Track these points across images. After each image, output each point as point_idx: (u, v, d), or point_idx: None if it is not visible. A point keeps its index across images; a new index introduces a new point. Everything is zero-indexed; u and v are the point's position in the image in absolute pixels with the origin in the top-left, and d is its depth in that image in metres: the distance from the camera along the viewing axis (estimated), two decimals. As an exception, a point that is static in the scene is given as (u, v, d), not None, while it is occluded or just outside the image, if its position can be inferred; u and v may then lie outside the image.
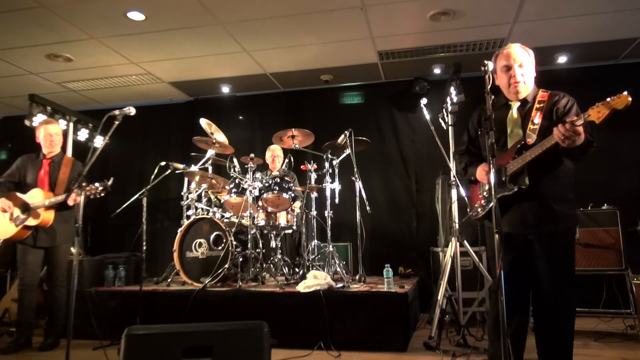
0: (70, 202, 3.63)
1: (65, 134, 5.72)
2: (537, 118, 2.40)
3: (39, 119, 5.19)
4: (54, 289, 3.86)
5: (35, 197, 3.76)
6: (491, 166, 2.15)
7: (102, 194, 3.23)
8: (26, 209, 3.74)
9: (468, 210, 2.72)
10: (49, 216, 3.74)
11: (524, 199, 2.38)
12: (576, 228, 2.53)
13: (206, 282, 4.09)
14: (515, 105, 2.52)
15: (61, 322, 3.90)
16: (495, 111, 2.47)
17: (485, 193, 2.53)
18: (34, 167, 3.92)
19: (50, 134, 3.95)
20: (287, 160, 5.21)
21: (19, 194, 3.84)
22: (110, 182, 3.24)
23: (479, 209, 2.57)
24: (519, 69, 2.45)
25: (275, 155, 5.30)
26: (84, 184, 2.85)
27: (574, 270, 2.46)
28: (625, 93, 1.99)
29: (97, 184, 3.27)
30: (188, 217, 4.85)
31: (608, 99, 2.05)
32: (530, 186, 2.35)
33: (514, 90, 2.48)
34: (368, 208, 4.27)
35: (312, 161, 4.82)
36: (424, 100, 4.47)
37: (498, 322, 2.17)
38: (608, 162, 5.11)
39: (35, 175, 3.89)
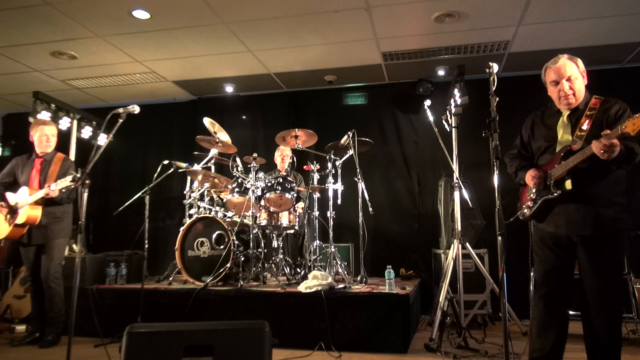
0: (52, 194, 3.69)
1: (69, 131, 5.75)
2: (585, 125, 2.45)
3: (43, 116, 5.21)
4: (49, 285, 3.87)
5: (23, 195, 3.84)
6: (495, 168, 2.16)
7: (80, 186, 3.14)
8: (14, 208, 3.84)
9: (518, 210, 2.77)
10: (35, 213, 3.80)
11: (569, 201, 2.47)
12: (625, 232, 2.54)
13: (207, 281, 4.10)
14: (567, 113, 2.59)
15: (60, 318, 3.92)
16: (548, 118, 2.67)
17: (532, 195, 2.62)
18: (27, 167, 4.01)
19: (47, 135, 4.03)
20: (289, 161, 5.22)
21: (7, 194, 3.93)
22: (79, 175, 3.20)
23: (526, 210, 2.67)
24: (567, 82, 2.52)
25: (284, 155, 5.32)
26: (87, 181, 2.85)
27: (621, 273, 2.52)
28: None
29: (67, 178, 3.46)
30: (190, 215, 4.85)
31: None
32: (575, 190, 2.43)
33: (564, 103, 2.56)
34: (370, 209, 4.26)
35: (314, 161, 4.82)
36: (427, 102, 4.47)
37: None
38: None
39: (27, 174, 3.97)
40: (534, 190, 2.60)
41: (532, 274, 2.15)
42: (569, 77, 2.51)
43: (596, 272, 2.43)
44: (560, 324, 2.55)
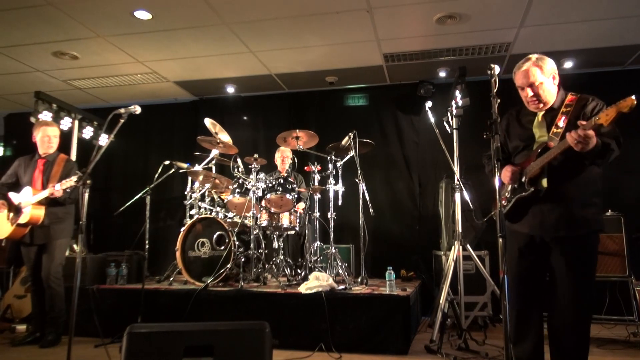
0: (57, 194, 3.71)
1: (70, 131, 5.76)
2: (561, 122, 2.43)
3: (44, 116, 5.22)
4: (50, 285, 3.87)
5: (26, 195, 3.86)
6: (496, 170, 2.16)
7: (81, 187, 3.11)
8: (18, 207, 3.85)
9: (493, 210, 2.73)
10: (38, 213, 3.82)
11: (544, 201, 2.42)
12: (599, 234, 2.52)
13: (208, 281, 4.10)
14: (542, 113, 2.56)
15: (61, 319, 3.92)
16: (524, 117, 2.61)
17: (507, 194, 2.58)
18: (29, 168, 4.03)
19: (49, 135, 4.06)
20: (290, 162, 5.22)
21: (10, 194, 3.94)
22: (82, 175, 3.19)
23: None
24: (530, 89, 2.48)
25: (284, 156, 5.32)
26: (88, 181, 2.85)
27: (593, 276, 2.46)
28: (632, 97, 2.04)
29: (72, 178, 3.48)
30: (191, 216, 4.86)
31: (615, 104, 2.09)
32: (550, 189, 2.39)
33: (532, 107, 2.55)
34: (371, 210, 4.26)
35: (315, 162, 4.82)
36: (428, 104, 4.46)
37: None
38: (613, 168, 5.03)
39: (30, 175, 3.99)
40: (509, 189, 2.56)
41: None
42: (532, 83, 2.47)
43: (569, 274, 2.39)
44: (537, 329, 2.52)
